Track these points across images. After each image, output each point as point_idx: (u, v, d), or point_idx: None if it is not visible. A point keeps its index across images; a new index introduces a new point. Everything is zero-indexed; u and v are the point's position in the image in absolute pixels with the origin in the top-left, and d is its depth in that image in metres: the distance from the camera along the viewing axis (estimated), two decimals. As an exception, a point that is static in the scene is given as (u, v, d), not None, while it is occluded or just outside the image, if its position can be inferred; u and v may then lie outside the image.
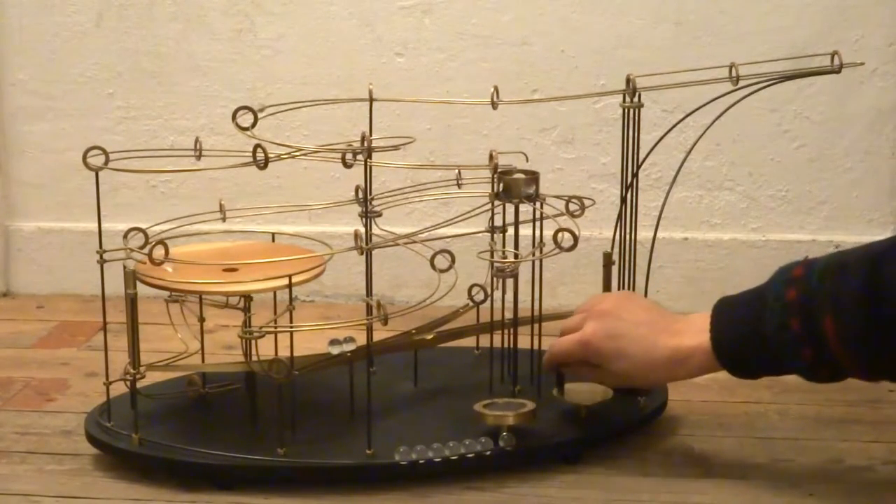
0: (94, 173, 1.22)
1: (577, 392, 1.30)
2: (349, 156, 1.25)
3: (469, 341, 1.42)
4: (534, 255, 1.30)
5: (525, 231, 1.31)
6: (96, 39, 1.78)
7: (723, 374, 1.22)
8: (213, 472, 1.22)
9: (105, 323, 1.27)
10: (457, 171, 1.36)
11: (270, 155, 1.19)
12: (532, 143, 1.74)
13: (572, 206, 1.31)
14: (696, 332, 1.21)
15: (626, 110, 1.32)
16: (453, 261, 1.24)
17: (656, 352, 1.22)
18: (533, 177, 1.29)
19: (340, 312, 1.76)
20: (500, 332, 1.37)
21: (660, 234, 1.37)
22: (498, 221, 1.32)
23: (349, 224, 1.35)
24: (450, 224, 1.32)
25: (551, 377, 1.33)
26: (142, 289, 1.23)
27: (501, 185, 1.30)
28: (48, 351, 1.61)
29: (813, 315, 1.12)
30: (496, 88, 1.33)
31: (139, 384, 1.26)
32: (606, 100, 1.72)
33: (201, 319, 1.33)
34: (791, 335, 1.14)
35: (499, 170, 1.28)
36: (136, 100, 1.79)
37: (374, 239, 1.32)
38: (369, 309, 1.22)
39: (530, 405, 1.25)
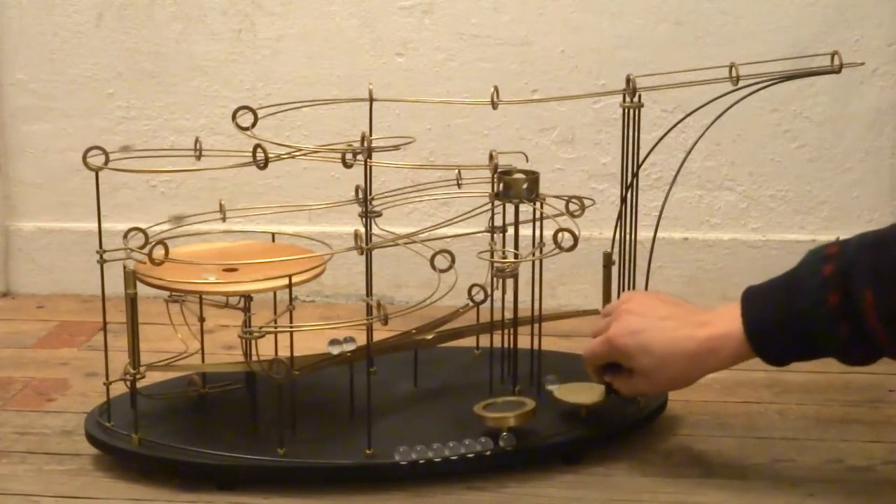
0: (94, 173, 1.22)
1: (577, 392, 1.30)
2: (349, 156, 1.24)
3: (469, 341, 1.42)
4: (534, 255, 1.30)
5: (525, 231, 1.31)
6: (96, 39, 1.78)
7: (723, 374, 1.22)
8: (213, 472, 1.22)
9: (105, 323, 1.27)
10: (457, 171, 1.36)
11: (270, 155, 1.19)
12: (532, 143, 1.74)
13: (572, 206, 1.31)
14: (725, 321, 1.18)
15: (626, 110, 1.31)
16: (453, 261, 1.24)
17: (683, 343, 1.19)
18: (533, 177, 1.29)
19: (340, 312, 1.76)
20: (500, 332, 1.37)
21: (660, 234, 1.37)
22: (498, 221, 1.32)
23: (349, 224, 1.35)
24: (450, 224, 1.32)
25: (551, 378, 1.33)
26: (142, 289, 1.23)
27: (501, 185, 1.30)
28: (48, 351, 1.61)
29: (852, 288, 1.10)
30: (496, 88, 1.33)
31: (139, 384, 1.26)
32: (606, 100, 1.71)
33: (201, 319, 1.33)
34: (828, 310, 1.12)
35: (499, 170, 1.28)
36: (136, 100, 1.79)
37: (374, 239, 1.32)
38: (369, 309, 1.22)
39: (530, 404, 1.25)
